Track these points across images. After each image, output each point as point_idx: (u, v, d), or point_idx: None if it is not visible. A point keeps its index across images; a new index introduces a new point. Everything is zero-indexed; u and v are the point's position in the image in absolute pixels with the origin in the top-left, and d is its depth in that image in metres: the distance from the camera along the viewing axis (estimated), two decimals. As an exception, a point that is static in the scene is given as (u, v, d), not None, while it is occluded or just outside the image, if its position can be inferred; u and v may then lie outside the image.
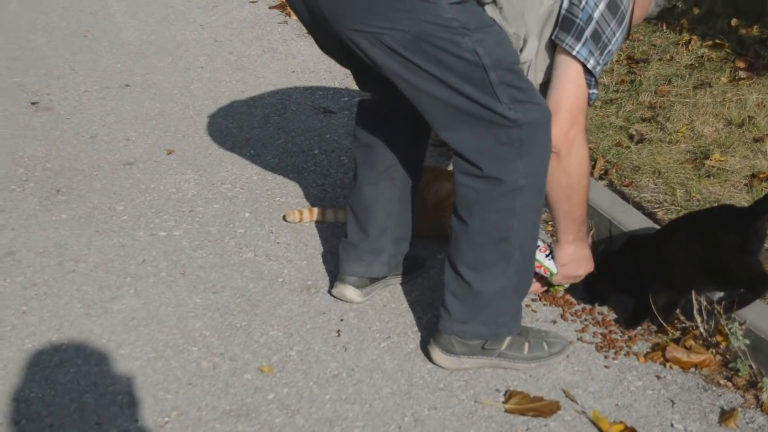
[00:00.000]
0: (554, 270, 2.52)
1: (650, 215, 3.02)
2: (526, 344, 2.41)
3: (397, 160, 2.59)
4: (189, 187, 3.46)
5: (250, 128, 4.10)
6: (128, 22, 5.97)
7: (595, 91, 2.33)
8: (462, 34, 2.09)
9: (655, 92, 4.17)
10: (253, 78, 4.87)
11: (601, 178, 3.34)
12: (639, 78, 4.37)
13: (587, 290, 2.69)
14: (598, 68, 2.28)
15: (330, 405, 2.26)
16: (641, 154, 3.49)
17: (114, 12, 6.24)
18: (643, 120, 3.86)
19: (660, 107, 3.96)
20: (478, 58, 2.10)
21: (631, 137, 3.67)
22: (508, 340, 2.40)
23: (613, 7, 2.27)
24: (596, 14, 2.25)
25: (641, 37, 5.04)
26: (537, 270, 2.50)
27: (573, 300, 2.72)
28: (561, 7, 2.28)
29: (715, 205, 2.97)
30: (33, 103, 4.33)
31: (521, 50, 2.32)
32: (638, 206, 3.07)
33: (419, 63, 2.11)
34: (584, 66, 2.26)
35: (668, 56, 4.69)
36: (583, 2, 2.25)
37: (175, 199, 3.35)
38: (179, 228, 3.13)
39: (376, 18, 2.08)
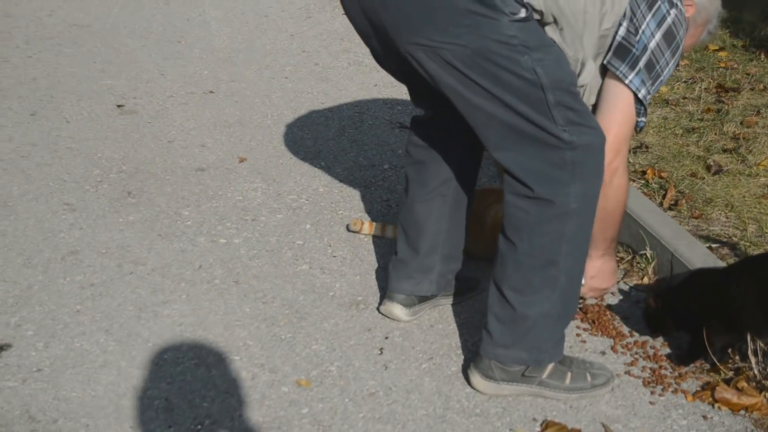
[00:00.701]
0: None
1: (716, 250, 2.92)
2: (569, 374, 2.36)
3: (449, 177, 2.58)
4: (255, 195, 3.51)
5: (325, 140, 4.13)
6: (221, 30, 6.10)
7: (643, 119, 2.31)
8: (522, 53, 2.07)
9: (741, 123, 4.04)
10: (335, 90, 4.91)
11: (670, 208, 3.25)
12: (726, 107, 4.24)
13: (647, 321, 2.62)
14: (648, 97, 2.24)
15: (362, 423, 2.25)
16: (716, 186, 3.38)
17: (210, 19, 6.38)
18: (724, 151, 3.74)
19: (744, 138, 3.84)
20: (536, 77, 2.08)
21: (708, 168, 3.56)
22: (549, 368, 2.35)
23: (669, 37, 2.23)
24: (652, 44, 2.22)
25: (735, 65, 4.89)
26: None
27: (625, 332, 2.65)
28: (617, 33, 2.24)
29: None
30: (119, 106, 4.46)
31: (579, 73, 2.29)
32: (707, 240, 2.98)
33: (477, 80, 2.10)
34: (635, 95, 2.22)
35: (761, 86, 4.54)
36: (640, 31, 2.22)
37: (240, 207, 3.40)
38: (240, 236, 3.17)
39: (437, 32, 2.07)
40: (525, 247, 2.24)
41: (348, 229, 3.21)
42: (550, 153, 2.14)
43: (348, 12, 2.30)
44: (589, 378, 2.37)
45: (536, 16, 2.14)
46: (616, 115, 2.27)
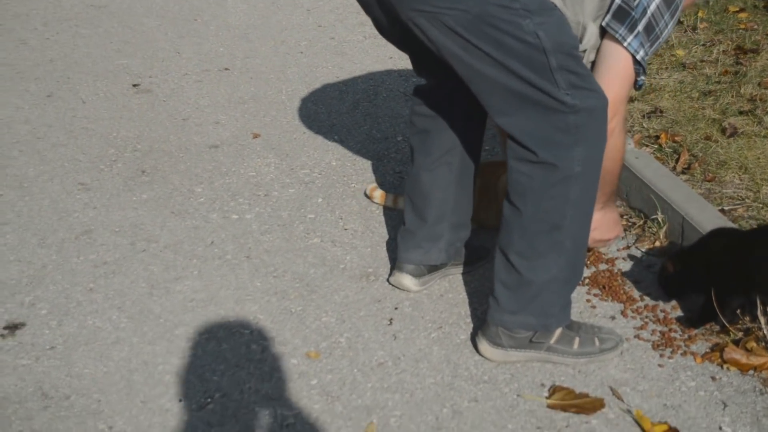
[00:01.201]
0: None
1: (729, 213, 2.90)
2: (577, 339, 2.37)
3: (453, 145, 2.58)
4: (268, 171, 3.53)
5: (338, 114, 4.13)
6: (238, 6, 6.09)
7: (643, 77, 2.32)
8: (523, 16, 2.06)
9: (759, 84, 3.98)
10: (350, 64, 4.90)
11: (683, 172, 3.22)
12: (744, 69, 4.18)
13: (663, 285, 2.60)
14: (647, 58, 2.24)
15: (371, 393, 2.27)
16: (730, 149, 3.35)
17: (226, -4, 6.38)
18: (741, 113, 3.69)
19: (761, 100, 3.78)
20: (539, 41, 2.07)
21: (723, 131, 3.52)
22: (557, 333, 2.35)
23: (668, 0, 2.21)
24: (652, 7, 2.21)
25: (755, 26, 4.81)
26: None
27: (636, 296, 2.65)
28: None
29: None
30: (134, 85, 4.48)
31: (581, 37, 2.28)
32: (718, 203, 2.96)
33: (479, 45, 2.09)
34: (633, 56, 2.21)
35: (782, 46, 4.47)
36: None
37: (253, 183, 3.42)
38: (252, 211, 3.19)
39: None
40: (530, 212, 2.24)
41: (365, 193, 3.23)
42: (554, 117, 2.14)
43: None
44: (597, 342, 2.38)
45: None
46: (614, 77, 2.27)
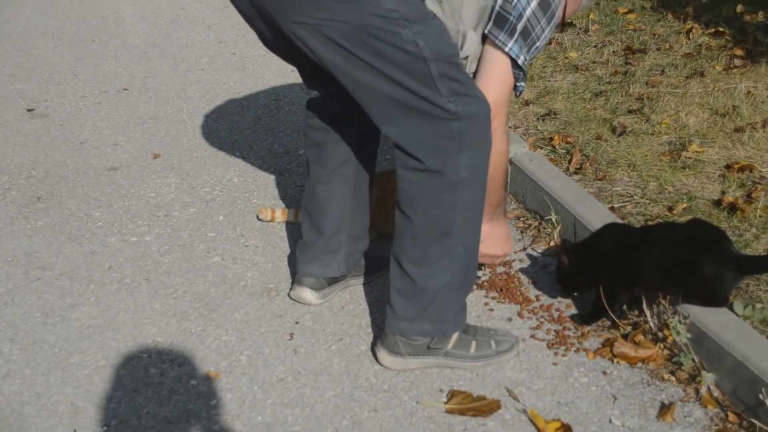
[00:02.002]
0: None
1: (618, 210, 2.99)
2: (473, 343, 2.41)
3: (348, 156, 2.60)
4: (169, 191, 3.50)
5: (240, 130, 4.13)
6: (137, 26, 6.04)
7: (522, 84, 2.37)
8: (403, 26, 2.08)
9: (647, 83, 4.10)
10: (252, 79, 4.90)
11: (576, 172, 3.30)
12: (633, 69, 4.31)
13: (559, 281, 2.65)
14: (526, 63, 2.30)
15: (271, 409, 2.27)
16: (620, 147, 3.44)
17: (125, 15, 6.32)
18: (629, 112, 3.80)
19: (648, 98, 3.90)
20: (418, 49, 2.10)
21: (613, 130, 3.62)
22: (454, 338, 2.39)
23: (544, 5, 2.29)
24: (527, 12, 2.26)
25: (643, 27, 4.96)
26: None
27: (532, 297, 2.71)
28: (495, 2, 2.29)
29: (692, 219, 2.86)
30: (29, 110, 4.41)
31: (461, 45, 2.32)
32: (608, 200, 3.04)
33: (360, 55, 2.11)
34: (514, 61, 2.27)
35: (667, 45, 4.61)
36: (516, 0, 2.26)
37: (152, 204, 3.39)
38: (151, 233, 3.17)
39: (318, 9, 2.06)
40: (420, 219, 2.27)
41: (258, 218, 3.22)
42: (437, 124, 2.17)
43: None
44: (493, 345, 2.42)
45: None
46: (493, 81, 2.32)
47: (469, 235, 2.32)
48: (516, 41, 2.27)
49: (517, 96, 2.43)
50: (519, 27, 2.27)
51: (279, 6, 2.12)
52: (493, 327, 2.53)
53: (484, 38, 2.35)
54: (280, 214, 3.21)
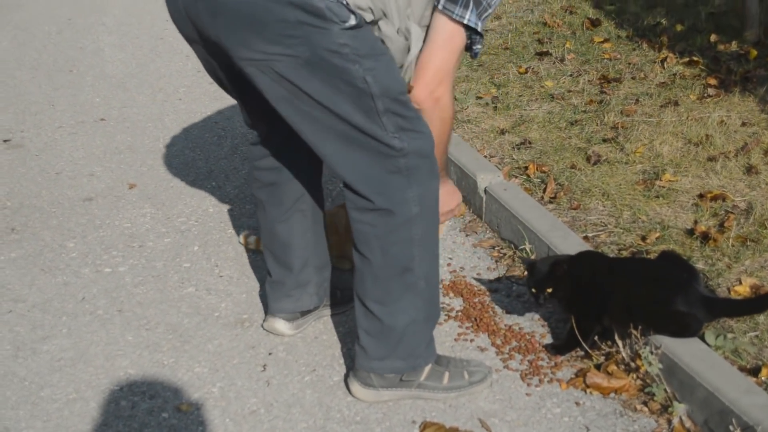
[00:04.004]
0: None
1: (592, 239, 3.00)
2: (446, 374, 2.40)
3: (303, 192, 2.60)
4: (144, 221, 3.49)
5: (216, 159, 4.13)
6: (115, 56, 6.04)
7: (479, 46, 2.33)
8: (354, 61, 2.08)
9: (621, 112, 4.13)
10: (229, 109, 4.89)
11: (550, 201, 3.32)
12: (608, 98, 4.34)
13: (530, 287, 2.61)
14: (481, 25, 2.26)
15: (242, 442, 2.26)
16: (594, 176, 3.46)
17: (103, 46, 6.30)
18: (604, 141, 3.83)
19: (623, 127, 3.93)
20: (367, 85, 2.10)
21: (588, 159, 3.64)
22: (426, 370, 2.39)
23: None
24: None
25: (618, 56, 5.00)
26: None
27: (505, 327, 2.71)
28: None
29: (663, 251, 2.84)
30: (5, 141, 4.39)
31: (408, 48, 2.29)
32: (583, 230, 3.06)
33: (308, 90, 2.10)
34: (466, 27, 2.25)
35: (642, 74, 4.65)
36: None
37: (127, 235, 3.38)
38: (125, 264, 3.15)
39: (269, 44, 2.04)
40: (378, 259, 2.27)
41: (239, 241, 3.23)
42: (384, 161, 2.18)
43: (175, 22, 2.26)
44: (466, 376, 2.42)
45: (368, 18, 2.17)
46: (438, 48, 2.28)
47: (429, 268, 2.33)
48: (471, 11, 2.23)
49: (473, 58, 2.40)
50: None
51: (232, 42, 2.08)
52: (467, 358, 2.54)
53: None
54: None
